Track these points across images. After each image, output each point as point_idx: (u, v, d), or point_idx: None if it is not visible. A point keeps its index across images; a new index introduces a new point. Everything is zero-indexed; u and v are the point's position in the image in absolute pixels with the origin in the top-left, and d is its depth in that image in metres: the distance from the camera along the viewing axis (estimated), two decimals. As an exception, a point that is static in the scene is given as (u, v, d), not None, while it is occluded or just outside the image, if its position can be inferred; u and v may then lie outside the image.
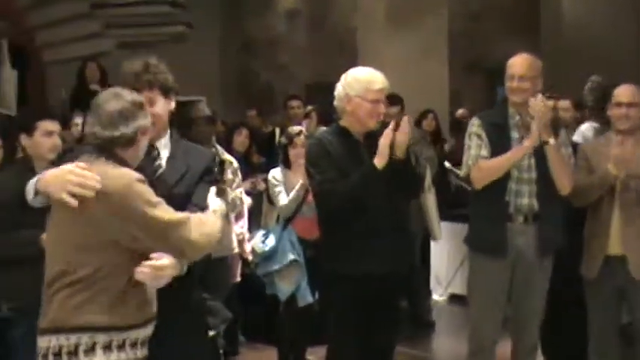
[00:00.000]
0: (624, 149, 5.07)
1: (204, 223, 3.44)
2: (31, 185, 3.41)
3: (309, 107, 9.14)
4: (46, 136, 4.87)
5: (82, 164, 3.24)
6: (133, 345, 3.26)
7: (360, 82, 4.73)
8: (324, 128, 6.10)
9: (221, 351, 6.00)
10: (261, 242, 6.29)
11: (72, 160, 3.38)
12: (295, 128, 6.57)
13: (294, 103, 9.49)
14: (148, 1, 11.40)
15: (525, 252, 5.05)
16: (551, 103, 5.03)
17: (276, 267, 6.19)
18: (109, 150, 3.32)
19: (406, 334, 7.27)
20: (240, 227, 6.63)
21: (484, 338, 5.19)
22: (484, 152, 5.09)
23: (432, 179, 7.91)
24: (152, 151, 3.73)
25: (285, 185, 6.25)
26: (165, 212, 3.28)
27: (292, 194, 6.05)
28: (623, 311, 5.50)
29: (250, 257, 6.52)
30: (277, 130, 9.52)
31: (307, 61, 13.14)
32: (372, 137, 4.72)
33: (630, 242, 5.13)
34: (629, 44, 9.89)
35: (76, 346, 3.16)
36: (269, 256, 6.24)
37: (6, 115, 8.18)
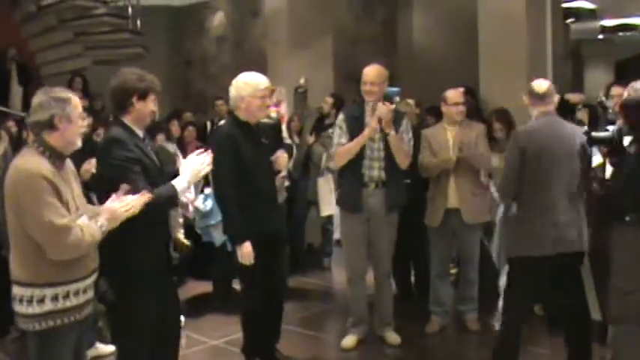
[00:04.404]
0: (457, 136, 5.33)
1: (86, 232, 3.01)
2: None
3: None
4: None
5: None
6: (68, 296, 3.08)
7: (249, 85, 4.61)
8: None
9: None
10: (202, 203, 6.26)
11: None
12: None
13: (219, 102, 9.64)
14: (115, 30, 11.28)
15: (376, 209, 5.16)
16: (392, 106, 5.00)
17: (212, 222, 6.17)
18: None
19: (304, 269, 7.60)
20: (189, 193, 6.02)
21: (355, 270, 5.33)
22: (343, 140, 5.11)
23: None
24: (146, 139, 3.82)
25: None
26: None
27: None
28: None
29: (191, 215, 6.35)
30: (208, 123, 9.64)
31: (230, 73, 12.97)
32: (259, 124, 4.73)
33: (462, 200, 5.38)
34: (463, 64, 10.11)
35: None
36: (207, 214, 6.23)
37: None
